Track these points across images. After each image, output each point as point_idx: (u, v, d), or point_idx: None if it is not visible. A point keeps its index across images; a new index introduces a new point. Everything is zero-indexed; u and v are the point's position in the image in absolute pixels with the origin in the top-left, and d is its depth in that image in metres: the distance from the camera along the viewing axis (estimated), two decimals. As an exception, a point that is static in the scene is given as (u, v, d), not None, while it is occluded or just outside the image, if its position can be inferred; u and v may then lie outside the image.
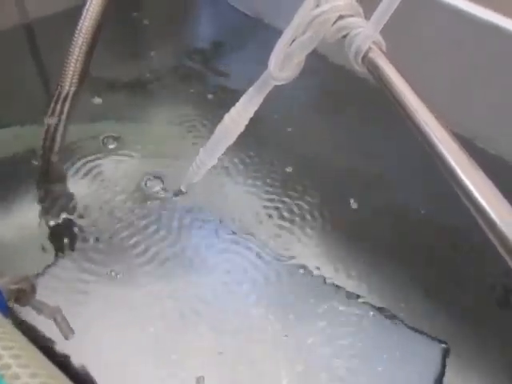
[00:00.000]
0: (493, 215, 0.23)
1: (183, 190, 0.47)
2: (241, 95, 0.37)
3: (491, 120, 0.55)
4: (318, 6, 0.32)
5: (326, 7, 0.32)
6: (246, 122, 0.38)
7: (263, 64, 0.34)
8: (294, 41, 0.33)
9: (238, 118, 0.37)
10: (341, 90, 0.65)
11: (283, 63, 0.34)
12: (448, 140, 0.27)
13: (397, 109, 0.29)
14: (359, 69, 0.32)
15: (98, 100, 0.60)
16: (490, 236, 0.24)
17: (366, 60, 0.31)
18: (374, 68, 0.30)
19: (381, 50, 0.30)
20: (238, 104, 0.37)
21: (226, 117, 0.38)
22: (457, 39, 0.53)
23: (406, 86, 0.28)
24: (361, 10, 0.32)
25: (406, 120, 0.28)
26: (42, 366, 0.22)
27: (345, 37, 0.32)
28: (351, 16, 0.32)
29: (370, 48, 0.30)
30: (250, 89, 0.36)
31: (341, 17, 0.32)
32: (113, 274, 0.46)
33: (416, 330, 0.44)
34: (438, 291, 0.48)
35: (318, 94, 0.65)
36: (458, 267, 0.51)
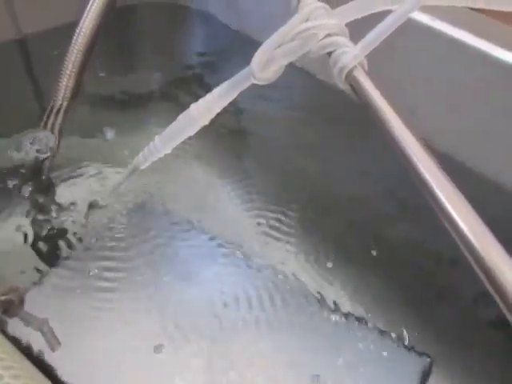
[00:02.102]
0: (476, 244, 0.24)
1: (128, 173, 0.43)
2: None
3: (473, 138, 0.56)
4: (307, 20, 0.34)
5: (314, 23, 0.34)
6: (212, 117, 0.36)
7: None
8: (279, 46, 0.34)
9: (205, 110, 0.36)
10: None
11: (265, 65, 0.34)
12: (425, 157, 0.28)
13: (377, 124, 0.30)
14: (342, 86, 0.33)
15: (89, 114, 0.61)
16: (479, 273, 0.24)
17: (350, 78, 0.33)
18: (356, 85, 0.32)
19: (363, 68, 0.33)
20: (208, 95, 0.36)
21: (193, 106, 0.36)
22: (441, 61, 0.55)
23: (384, 102, 0.31)
24: (347, 32, 0.34)
25: (385, 135, 0.29)
26: (24, 369, 0.22)
27: (329, 54, 0.33)
28: (337, 35, 0.34)
29: (354, 67, 0.32)
30: (225, 83, 0.36)
31: (328, 35, 0.33)
32: (101, 283, 0.47)
33: (400, 343, 0.45)
34: (423, 305, 0.49)
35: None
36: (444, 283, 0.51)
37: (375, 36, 0.33)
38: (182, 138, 0.38)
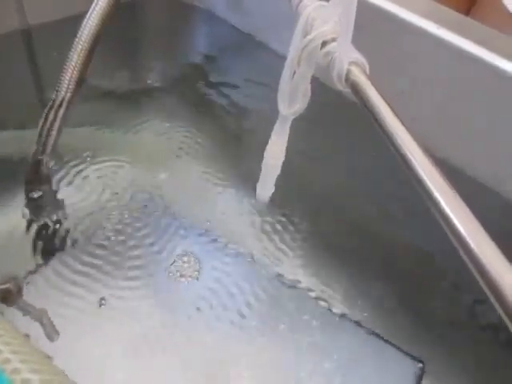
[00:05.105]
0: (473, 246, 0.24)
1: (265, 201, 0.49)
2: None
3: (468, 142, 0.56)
4: (306, 35, 0.33)
5: (310, 36, 0.33)
6: (284, 153, 0.42)
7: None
8: (294, 74, 0.35)
9: (273, 152, 0.42)
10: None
11: (290, 98, 0.36)
12: (425, 161, 0.27)
13: (376, 128, 0.29)
14: (343, 89, 0.32)
15: (90, 108, 0.61)
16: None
17: (349, 82, 0.31)
18: (355, 89, 0.30)
19: (363, 71, 0.31)
20: (270, 141, 0.41)
21: (265, 155, 0.42)
22: (440, 67, 0.55)
23: (385, 106, 0.29)
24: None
25: (384, 138, 0.29)
26: (31, 353, 0.23)
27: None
28: (333, 41, 0.32)
29: (350, 70, 0.31)
30: (276, 126, 0.40)
31: (324, 43, 0.32)
32: (100, 275, 0.47)
33: (394, 347, 0.45)
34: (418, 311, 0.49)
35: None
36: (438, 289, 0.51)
37: (343, 34, 0.31)
38: (273, 179, 0.45)
